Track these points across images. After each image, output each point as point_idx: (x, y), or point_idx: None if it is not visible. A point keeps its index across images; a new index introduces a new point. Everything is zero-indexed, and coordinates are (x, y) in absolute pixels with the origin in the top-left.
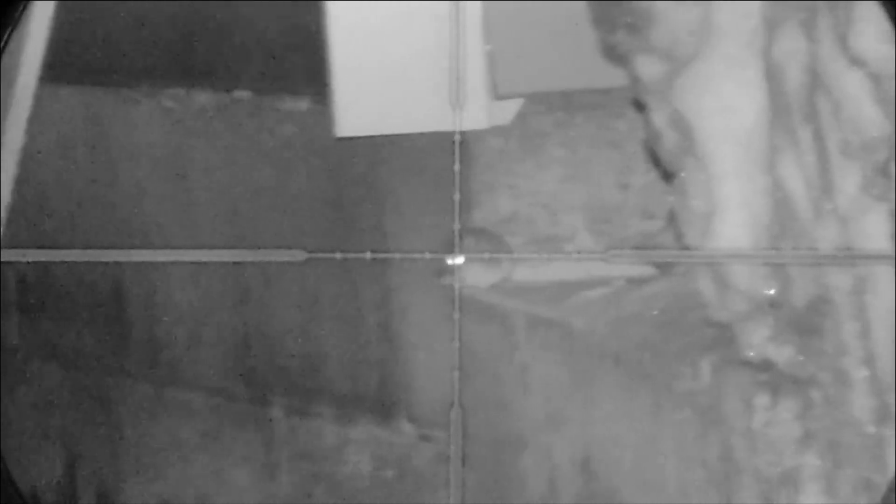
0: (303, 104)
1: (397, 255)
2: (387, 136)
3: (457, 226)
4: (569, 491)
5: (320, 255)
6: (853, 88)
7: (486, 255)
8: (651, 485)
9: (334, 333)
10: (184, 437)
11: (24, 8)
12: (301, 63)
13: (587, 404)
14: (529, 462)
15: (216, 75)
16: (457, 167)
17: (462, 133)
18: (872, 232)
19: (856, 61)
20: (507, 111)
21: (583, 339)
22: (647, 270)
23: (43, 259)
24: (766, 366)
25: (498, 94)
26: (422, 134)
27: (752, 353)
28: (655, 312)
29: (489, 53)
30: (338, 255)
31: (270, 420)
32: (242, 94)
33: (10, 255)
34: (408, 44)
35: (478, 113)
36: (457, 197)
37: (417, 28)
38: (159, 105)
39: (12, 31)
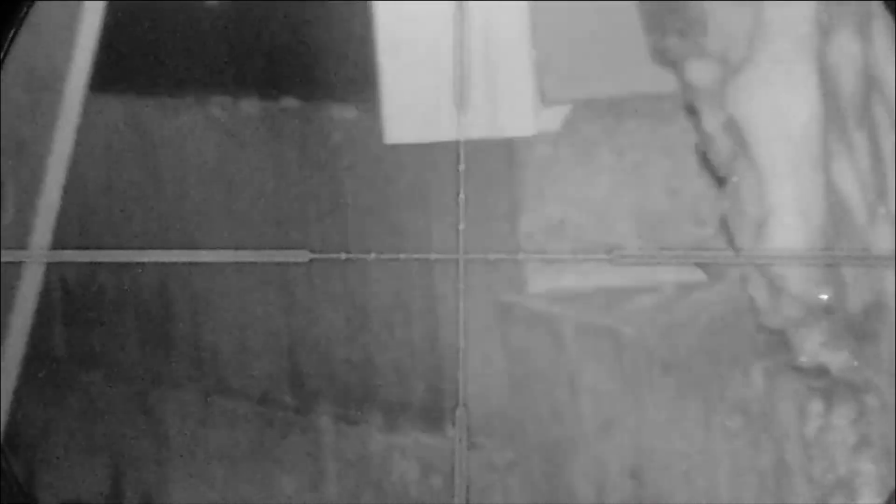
0: (350, 112)
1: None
2: (434, 143)
3: (461, 225)
4: (618, 498)
5: (323, 256)
6: None
7: (540, 257)
8: (702, 493)
9: (381, 339)
10: (230, 446)
11: (28, 9)
12: (348, 70)
13: (637, 412)
14: (578, 469)
15: (263, 84)
16: (461, 167)
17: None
18: None
19: None
20: (556, 118)
21: (632, 347)
22: (698, 276)
23: (84, 260)
24: (820, 372)
25: (546, 101)
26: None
27: (805, 359)
28: (706, 319)
29: (536, 59)
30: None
31: (317, 428)
32: (290, 102)
33: (56, 257)
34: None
35: (525, 120)
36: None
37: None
38: (206, 114)
39: (16, 32)
